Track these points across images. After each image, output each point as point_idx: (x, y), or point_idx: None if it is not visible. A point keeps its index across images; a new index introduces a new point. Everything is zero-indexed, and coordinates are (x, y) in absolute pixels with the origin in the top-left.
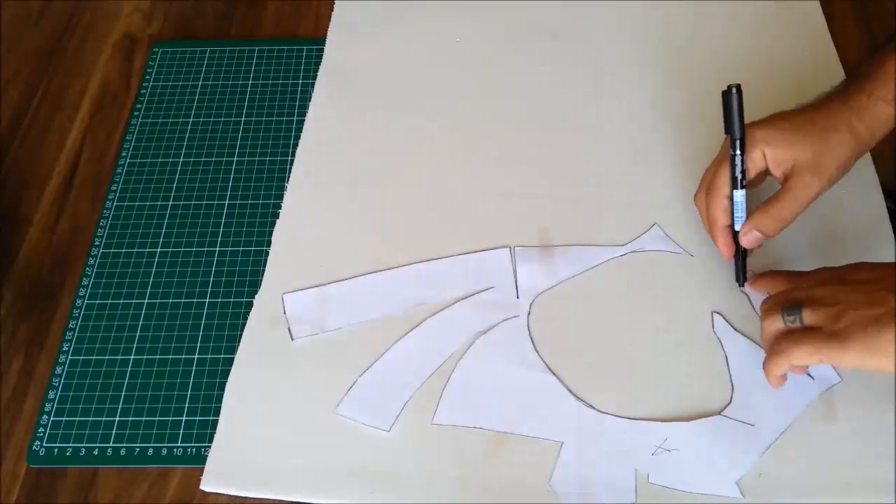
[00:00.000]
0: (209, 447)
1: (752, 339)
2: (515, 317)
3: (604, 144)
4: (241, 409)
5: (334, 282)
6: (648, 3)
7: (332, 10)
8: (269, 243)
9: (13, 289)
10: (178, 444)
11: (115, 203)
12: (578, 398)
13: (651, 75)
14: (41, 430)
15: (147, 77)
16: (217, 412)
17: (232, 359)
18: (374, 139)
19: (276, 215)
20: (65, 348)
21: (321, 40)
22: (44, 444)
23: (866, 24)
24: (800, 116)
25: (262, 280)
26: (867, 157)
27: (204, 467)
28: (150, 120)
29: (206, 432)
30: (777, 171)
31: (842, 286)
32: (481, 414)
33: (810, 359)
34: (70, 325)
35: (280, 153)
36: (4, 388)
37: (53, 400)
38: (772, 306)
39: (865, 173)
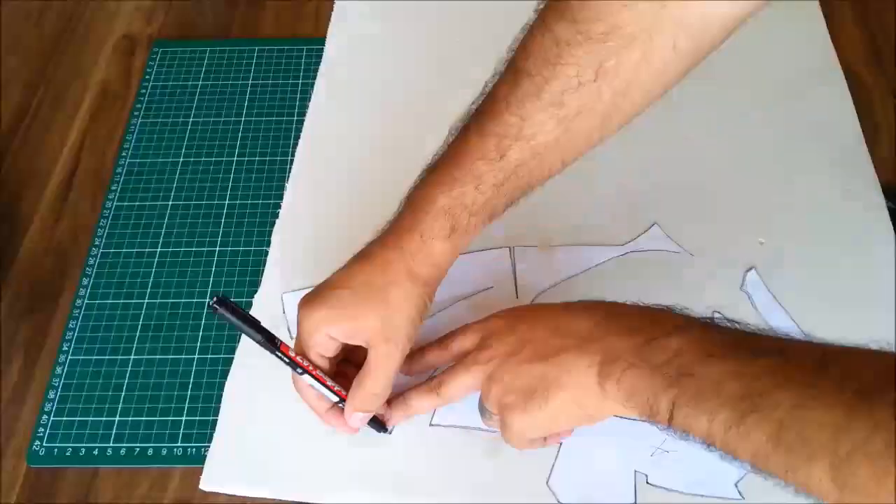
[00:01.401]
0: (209, 447)
1: None
2: None
3: (603, 144)
4: (241, 409)
5: None
6: None
7: (332, 10)
8: (269, 243)
9: (13, 289)
10: (178, 444)
11: (115, 203)
12: None
13: None
14: (41, 430)
15: (147, 77)
16: (217, 412)
17: (232, 359)
18: (374, 139)
19: (276, 215)
20: (65, 348)
21: (321, 40)
22: (44, 444)
23: (866, 24)
24: (356, 278)
25: (261, 280)
26: (866, 157)
27: (203, 467)
28: (150, 120)
29: (206, 432)
30: (359, 342)
31: (499, 363)
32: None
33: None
34: (70, 325)
35: (280, 153)
36: (4, 388)
37: (53, 400)
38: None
39: (865, 173)
